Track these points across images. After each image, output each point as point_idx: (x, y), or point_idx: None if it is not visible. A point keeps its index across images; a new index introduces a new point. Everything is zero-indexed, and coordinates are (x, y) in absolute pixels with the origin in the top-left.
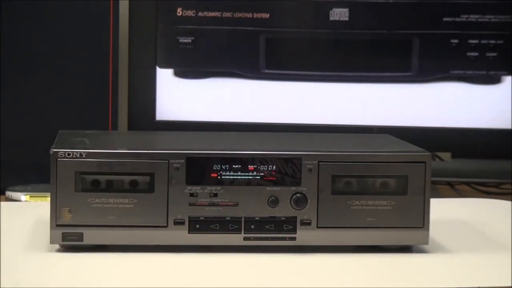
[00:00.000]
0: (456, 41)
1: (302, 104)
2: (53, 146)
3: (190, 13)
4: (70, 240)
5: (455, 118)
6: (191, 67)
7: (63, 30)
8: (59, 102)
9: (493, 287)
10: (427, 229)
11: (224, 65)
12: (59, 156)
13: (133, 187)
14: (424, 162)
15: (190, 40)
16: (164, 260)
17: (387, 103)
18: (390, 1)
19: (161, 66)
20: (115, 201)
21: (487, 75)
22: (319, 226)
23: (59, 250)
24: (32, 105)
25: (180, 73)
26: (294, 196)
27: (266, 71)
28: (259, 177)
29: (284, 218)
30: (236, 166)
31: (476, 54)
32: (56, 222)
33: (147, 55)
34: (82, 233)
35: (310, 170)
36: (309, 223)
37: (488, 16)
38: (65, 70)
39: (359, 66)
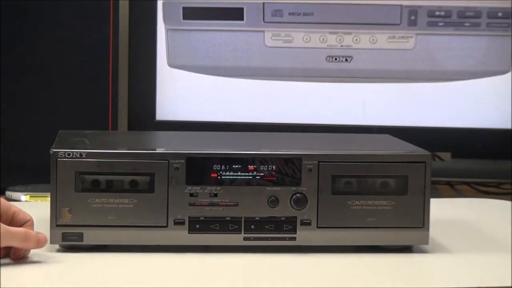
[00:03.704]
0: None
1: (302, 104)
2: (53, 146)
3: None
4: (70, 240)
5: (455, 118)
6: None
7: (63, 30)
8: (59, 102)
9: (493, 287)
10: (427, 229)
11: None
12: (59, 156)
13: (133, 187)
14: (424, 162)
15: None
16: (164, 260)
17: (387, 103)
18: None
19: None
20: (115, 201)
21: None
22: (319, 226)
23: (59, 250)
24: (32, 105)
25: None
26: (294, 196)
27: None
28: (259, 177)
29: (284, 218)
30: (236, 166)
31: None
32: (56, 222)
33: (147, 55)
34: (82, 233)
35: (310, 170)
36: (309, 223)
37: None
38: (65, 70)
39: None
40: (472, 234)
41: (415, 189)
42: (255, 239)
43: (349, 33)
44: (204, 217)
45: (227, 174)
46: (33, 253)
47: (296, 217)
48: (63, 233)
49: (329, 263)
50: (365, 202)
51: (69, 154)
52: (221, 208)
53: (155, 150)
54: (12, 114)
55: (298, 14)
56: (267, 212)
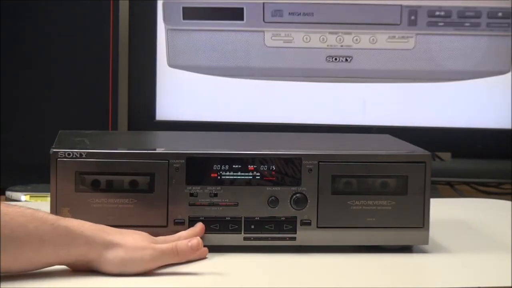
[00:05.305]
0: None
1: (303, 104)
2: (53, 146)
3: None
4: None
5: (455, 118)
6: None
7: (63, 30)
8: (59, 102)
9: (493, 287)
10: (427, 229)
11: None
12: (59, 156)
13: (133, 187)
14: (424, 162)
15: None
16: None
17: (387, 103)
18: None
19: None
20: (115, 201)
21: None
22: (319, 226)
23: None
24: (32, 105)
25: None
26: (294, 196)
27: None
28: (259, 177)
29: (284, 218)
30: (236, 166)
31: None
32: None
33: (147, 55)
34: None
35: (310, 170)
36: (309, 223)
37: None
38: (65, 70)
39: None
40: (472, 234)
41: (415, 189)
42: (255, 239)
43: (349, 33)
44: (204, 217)
45: (227, 174)
46: None
47: (296, 217)
48: None
49: (329, 263)
50: (365, 202)
51: (69, 154)
52: (221, 208)
53: (155, 150)
54: (12, 114)
55: (298, 14)
56: (267, 212)
